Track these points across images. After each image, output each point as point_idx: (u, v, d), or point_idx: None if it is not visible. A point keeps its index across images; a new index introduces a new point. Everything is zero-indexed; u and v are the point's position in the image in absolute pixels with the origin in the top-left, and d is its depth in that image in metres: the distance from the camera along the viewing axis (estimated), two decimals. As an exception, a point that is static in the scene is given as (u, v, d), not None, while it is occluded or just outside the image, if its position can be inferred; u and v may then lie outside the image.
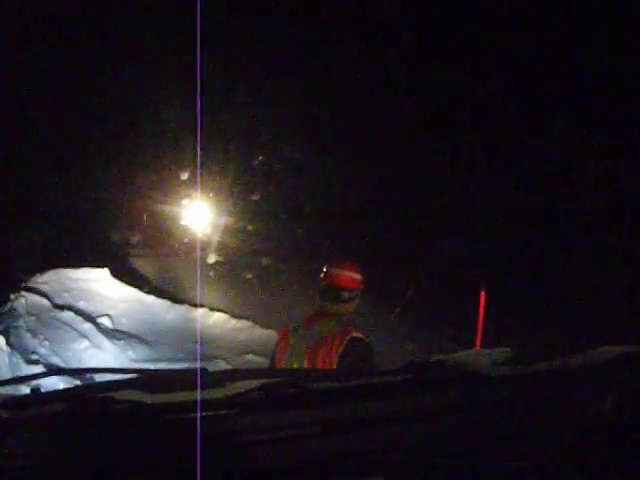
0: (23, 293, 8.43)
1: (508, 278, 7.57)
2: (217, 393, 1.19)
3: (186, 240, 12.54)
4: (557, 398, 1.19)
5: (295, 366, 2.55)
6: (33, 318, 7.75)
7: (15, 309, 7.92)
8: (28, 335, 7.17)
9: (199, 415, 1.05)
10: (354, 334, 2.55)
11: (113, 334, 7.70)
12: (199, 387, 1.22)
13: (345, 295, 2.71)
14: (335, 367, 2.46)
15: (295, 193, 11.66)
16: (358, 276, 2.76)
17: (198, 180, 11.04)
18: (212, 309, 9.11)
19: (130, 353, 7.23)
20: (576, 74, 8.04)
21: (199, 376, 1.27)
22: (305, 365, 2.54)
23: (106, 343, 7.37)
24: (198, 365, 1.36)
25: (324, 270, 2.77)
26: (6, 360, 6.29)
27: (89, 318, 8.06)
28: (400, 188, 10.48)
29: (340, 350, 2.49)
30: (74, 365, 6.56)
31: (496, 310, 4.08)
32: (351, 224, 11.04)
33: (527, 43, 8.31)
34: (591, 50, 7.66)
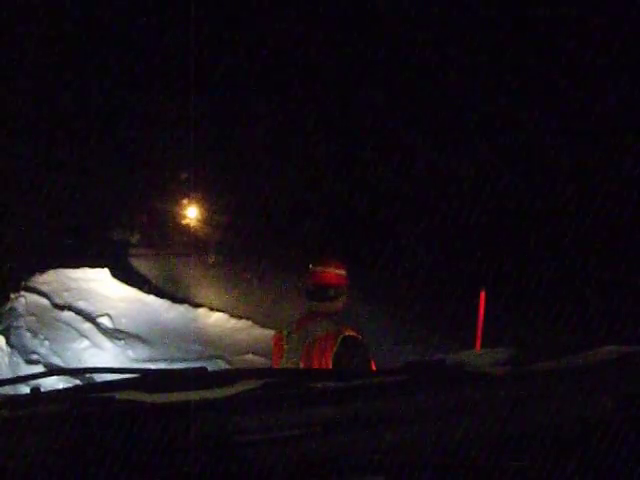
0: (23, 293, 8.43)
1: (508, 278, 7.57)
2: (217, 393, 1.19)
3: (186, 240, 12.54)
4: (557, 398, 1.19)
5: None
6: (33, 318, 7.75)
7: (15, 309, 7.92)
8: (28, 335, 7.17)
9: (197, 415, 1.05)
10: (347, 333, 2.53)
11: (113, 334, 7.71)
12: (198, 387, 1.22)
13: (332, 292, 2.69)
14: (331, 367, 2.45)
15: (294, 193, 11.65)
16: (343, 272, 2.75)
17: (192, 180, 11.02)
18: (212, 309, 9.12)
19: (130, 353, 7.23)
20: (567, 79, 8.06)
21: (198, 376, 1.27)
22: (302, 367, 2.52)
23: (106, 343, 7.37)
24: (191, 364, 1.36)
25: (309, 270, 2.76)
26: (6, 360, 6.29)
27: (89, 318, 8.07)
28: (400, 188, 10.47)
29: (334, 350, 2.47)
30: (74, 365, 6.56)
31: (496, 310, 4.08)
32: (351, 224, 11.04)
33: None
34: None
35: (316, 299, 2.69)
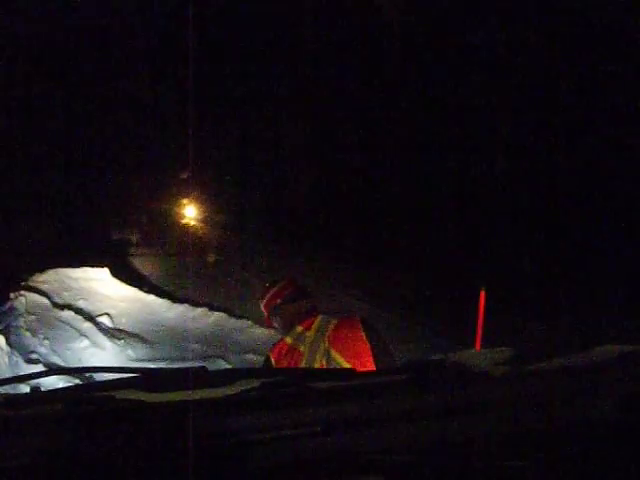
0: (23, 292, 8.43)
1: (508, 278, 7.58)
2: (217, 392, 1.19)
3: (186, 240, 12.55)
4: (557, 398, 1.19)
5: (325, 365, 2.41)
6: (33, 317, 7.75)
7: (15, 308, 7.92)
8: (28, 334, 7.17)
9: (197, 415, 1.05)
10: (357, 316, 2.57)
11: (113, 333, 7.70)
12: (197, 386, 1.22)
13: (304, 290, 2.80)
14: (371, 347, 2.41)
15: (295, 194, 11.65)
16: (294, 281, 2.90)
17: (191, 180, 11.04)
18: (212, 309, 9.11)
19: (130, 352, 7.23)
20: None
21: (198, 375, 1.27)
22: (339, 358, 2.39)
23: (106, 342, 7.37)
24: (191, 364, 1.36)
25: (275, 289, 2.81)
26: (6, 359, 6.28)
27: (89, 317, 8.07)
28: (400, 188, 10.48)
29: (361, 330, 2.46)
30: (74, 364, 6.55)
31: (496, 310, 4.09)
32: (351, 225, 11.04)
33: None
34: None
35: (303, 296, 2.74)
